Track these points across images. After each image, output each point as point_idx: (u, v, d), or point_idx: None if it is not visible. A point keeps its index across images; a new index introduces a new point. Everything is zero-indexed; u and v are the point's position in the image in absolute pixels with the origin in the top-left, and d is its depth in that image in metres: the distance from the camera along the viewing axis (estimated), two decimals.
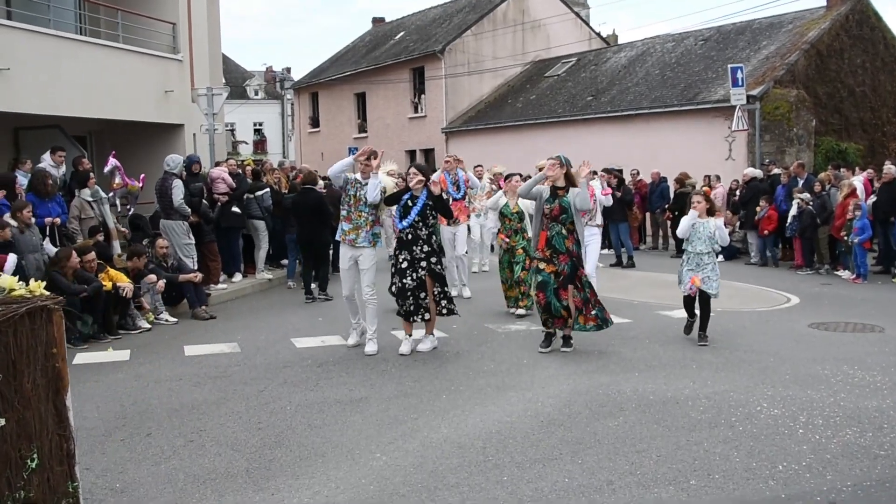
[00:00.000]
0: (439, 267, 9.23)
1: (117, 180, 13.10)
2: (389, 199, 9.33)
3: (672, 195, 19.72)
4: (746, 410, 6.69)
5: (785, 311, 11.98)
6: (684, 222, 9.61)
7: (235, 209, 14.03)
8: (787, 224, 16.26)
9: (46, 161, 12.70)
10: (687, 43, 28.17)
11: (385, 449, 5.98)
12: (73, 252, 10.38)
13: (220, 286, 13.61)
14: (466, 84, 34.03)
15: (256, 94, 59.64)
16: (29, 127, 15.99)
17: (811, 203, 15.66)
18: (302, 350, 9.46)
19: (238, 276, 14.49)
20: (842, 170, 17.60)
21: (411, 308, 9.06)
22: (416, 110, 35.87)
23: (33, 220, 10.42)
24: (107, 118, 16.56)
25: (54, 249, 10.63)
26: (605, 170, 17.14)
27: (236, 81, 53.98)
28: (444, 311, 9.32)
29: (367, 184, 9.08)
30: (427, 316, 9.13)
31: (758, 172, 18.29)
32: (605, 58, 31.44)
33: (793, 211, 16.08)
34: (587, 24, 39.94)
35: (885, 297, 13.08)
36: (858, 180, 16.28)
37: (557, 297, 8.91)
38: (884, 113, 24.81)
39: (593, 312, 9.01)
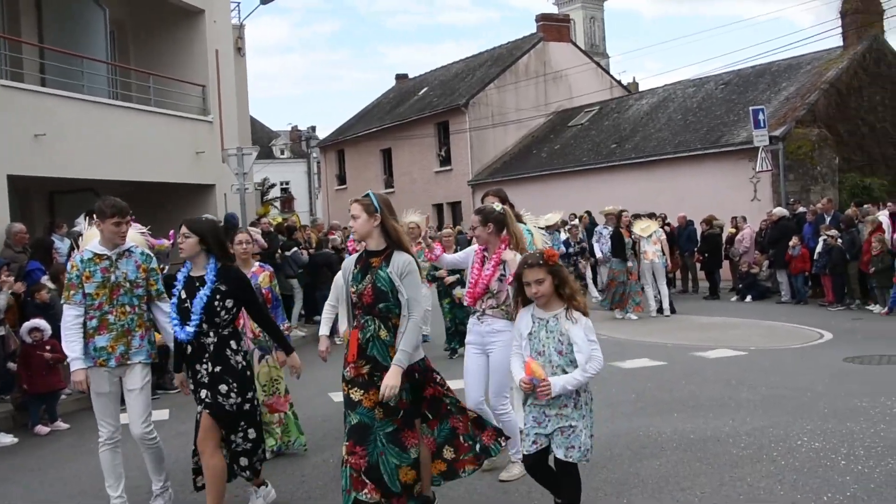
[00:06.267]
0: (231, 400, 5.53)
1: None
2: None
3: (700, 237, 19.86)
4: (787, 445, 6.70)
5: (819, 346, 11.99)
6: (519, 322, 4.88)
7: None
8: (815, 261, 16.33)
9: (81, 225, 12.94)
10: (707, 87, 28.38)
11: None
12: None
13: None
14: (491, 136, 34.37)
15: (282, 153, 60.27)
16: (64, 191, 16.35)
17: (839, 239, 15.67)
18: (340, 404, 9.43)
19: None
20: (867, 205, 17.63)
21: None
22: (441, 164, 36.23)
23: None
24: (140, 180, 16.90)
25: None
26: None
27: (262, 141, 54.60)
28: (241, 472, 5.80)
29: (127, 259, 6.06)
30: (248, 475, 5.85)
31: (785, 212, 18.36)
32: (628, 105, 31.73)
33: (819, 248, 16.14)
34: (608, 73, 40.42)
35: None
36: (884, 215, 16.29)
37: (400, 446, 5.00)
38: None
39: (470, 452, 5.36)
